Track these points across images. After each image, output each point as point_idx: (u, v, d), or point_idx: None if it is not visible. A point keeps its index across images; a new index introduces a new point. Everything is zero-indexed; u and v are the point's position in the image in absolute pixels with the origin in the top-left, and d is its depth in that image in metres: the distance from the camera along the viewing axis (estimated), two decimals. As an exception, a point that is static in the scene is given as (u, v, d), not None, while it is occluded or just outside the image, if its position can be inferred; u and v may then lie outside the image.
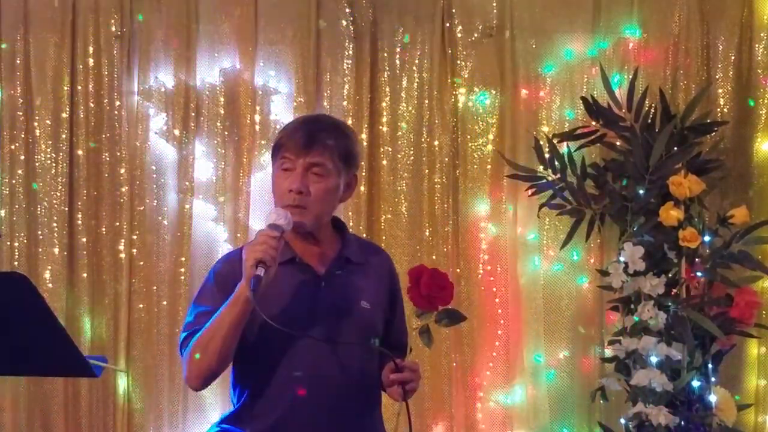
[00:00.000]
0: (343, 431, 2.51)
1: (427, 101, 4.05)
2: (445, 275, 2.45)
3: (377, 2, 4.06)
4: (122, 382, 3.98)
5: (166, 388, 3.99)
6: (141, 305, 4.02)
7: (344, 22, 4.04)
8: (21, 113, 4.02)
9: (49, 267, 4.00)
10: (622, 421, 3.62)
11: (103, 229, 4.03)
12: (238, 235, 4.00)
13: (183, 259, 4.00)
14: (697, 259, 3.61)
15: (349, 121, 3.96)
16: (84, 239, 4.01)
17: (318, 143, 2.50)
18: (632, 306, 3.55)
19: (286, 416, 2.47)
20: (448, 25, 4.06)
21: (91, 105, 4.03)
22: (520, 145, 4.02)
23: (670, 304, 3.52)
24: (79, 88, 4.03)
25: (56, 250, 4.00)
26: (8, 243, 3.98)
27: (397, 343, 2.59)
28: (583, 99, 3.86)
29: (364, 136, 3.97)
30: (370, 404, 2.61)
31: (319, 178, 2.49)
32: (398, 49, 4.07)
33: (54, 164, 4.02)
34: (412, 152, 4.05)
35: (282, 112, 4.05)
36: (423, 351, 3.30)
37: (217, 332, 2.40)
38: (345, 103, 4.02)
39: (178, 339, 2.55)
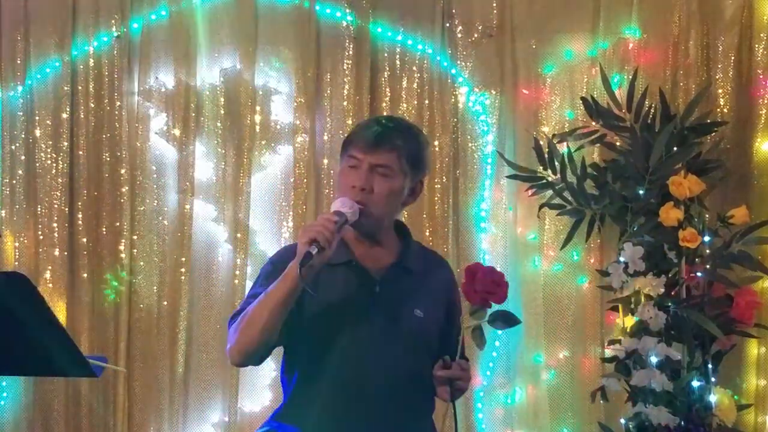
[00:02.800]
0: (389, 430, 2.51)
1: (427, 101, 4.05)
2: (501, 274, 2.42)
3: (377, 2, 4.07)
4: (122, 382, 3.98)
5: (166, 388, 3.99)
6: (141, 305, 4.02)
7: (344, 23, 4.04)
8: (21, 113, 4.02)
9: (49, 267, 4.00)
10: (622, 421, 3.61)
11: (103, 229, 4.04)
12: (238, 235, 4.00)
13: (183, 259, 4.00)
14: (697, 259, 3.61)
15: (349, 122, 3.97)
16: (84, 239, 4.01)
17: (386, 143, 2.48)
18: (632, 306, 3.55)
19: (331, 412, 2.47)
20: (448, 25, 4.06)
21: (91, 105, 4.04)
22: (520, 145, 4.02)
23: (670, 304, 3.52)
24: (79, 88, 4.03)
25: (56, 250, 4.00)
26: (8, 243, 3.99)
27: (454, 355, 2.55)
28: (583, 99, 3.85)
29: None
30: (418, 408, 2.59)
31: (384, 178, 2.48)
32: (398, 49, 4.07)
33: (54, 164, 4.02)
34: (412, 152, 4.05)
35: (282, 112, 4.06)
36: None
37: (263, 309, 2.39)
38: (345, 103, 4.03)
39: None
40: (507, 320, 2.45)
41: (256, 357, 2.49)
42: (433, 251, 2.89)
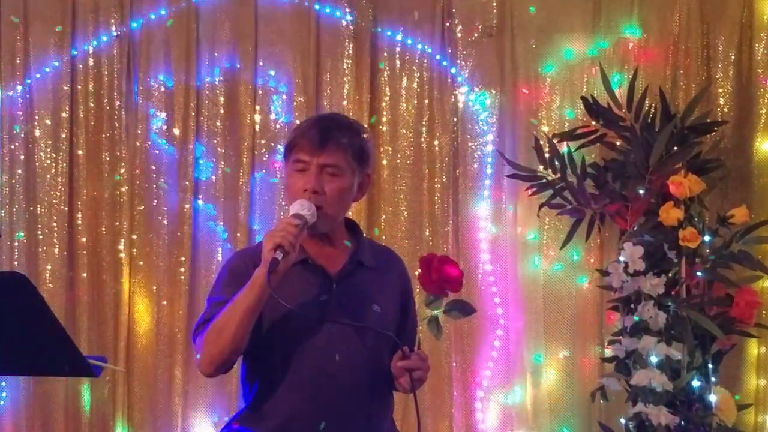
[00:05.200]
0: (353, 431, 2.51)
1: (427, 101, 4.05)
2: (456, 263, 2.42)
3: (377, 2, 4.07)
4: (122, 382, 3.98)
5: (166, 388, 3.99)
6: (141, 305, 4.02)
7: (344, 22, 4.04)
8: (21, 113, 4.02)
9: (49, 267, 4.00)
10: (622, 421, 3.61)
11: (103, 229, 4.04)
12: (238, 235, 4.00)
13: (183, 259, 4.00)
14: (697, 259, 3.61)
15: (349, 121, 3.97)
16: (84, 239, 4.01)
17: (332, 142, 2.48)
18: (632, 306, 3.55)
19: (295, 415, 2.47)
20: (448, 25, 4.06)
21: (91, 104, 4.03)
22: (520, 145, 4.02)
23: (670, 304, 3.52)
24: (79, 88, 4.03)
25: (56, 250, 4.00)
26: (8, 243, 3.98)
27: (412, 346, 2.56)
28: (583, 99, 3.86)
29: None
30: (380, 406, 2.59)
31: (333, 177, 2.47)
32: (398, 49, 4.07)
33: (54, 164, 4.02)
34: (412, 152, 4.05)
35: (282, 112, 4.06)
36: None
37: (232, 318, 2.37)
38: (345, 103, 4.02)
39: (192, 328, 2.55)
40: (463, 310, 2.45)
41: (226, 366, 2.47)
42: (384, 246, 2.91)
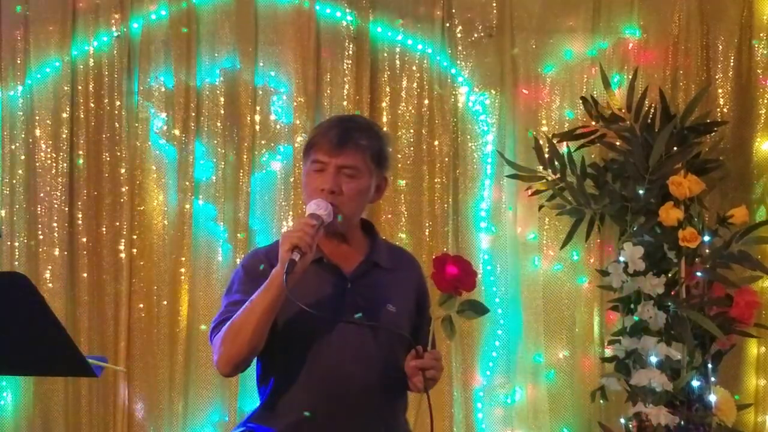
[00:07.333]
0: (366, 430, 2.51)
1: (427, 101, 4.05)
2: (469, 262, 2.42)
3: (377, 2, 4.07)
4: (122, 382, 3.99)
5: (166, 388, 3.99)
6: (141, 305, 4.02)
7: (344, 22, 4.04)
8: (21, 113, 4.02)
9: (49, 267, 4.00)
10: (622, 421, 3.62)
11: (103, 229, 4.04)
12: (238, 235, 4.00)
13: (183, 259, 4.00)
14: (697, 259, 3.61)
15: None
16: (84, 239, 4.01)
17: (351, 143, 2.49)
18: (632, 306, 3.55)
19: (310, 413, 2.47)
20: (448, 25, 4.06)
21: (91, 105, 4.04)
22: (520, 145, 4.02)
23: (670, 304, 3.52)
24: (79, 88, 4.03)
25: (56, 250, 4.00)
26: (8, 243, 3.99)
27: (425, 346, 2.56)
28: (583, 99, 3.86)
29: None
30: (394, 405, 2.60)
31: (351, 179, 2.49)
32: (398, 49, 4.07)
33: (54, 164, 4.02)
34: (412, 152, 4.05)
35: (282, 112, 4.06)
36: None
37: (250, 318, 2.39)
38: (345, 103, 4.02)
39: (209, 326, 2.56)
40: (476, 310, 2.45)
41: (244, 365, 2.50)
42: (400, 247, 2.93)
